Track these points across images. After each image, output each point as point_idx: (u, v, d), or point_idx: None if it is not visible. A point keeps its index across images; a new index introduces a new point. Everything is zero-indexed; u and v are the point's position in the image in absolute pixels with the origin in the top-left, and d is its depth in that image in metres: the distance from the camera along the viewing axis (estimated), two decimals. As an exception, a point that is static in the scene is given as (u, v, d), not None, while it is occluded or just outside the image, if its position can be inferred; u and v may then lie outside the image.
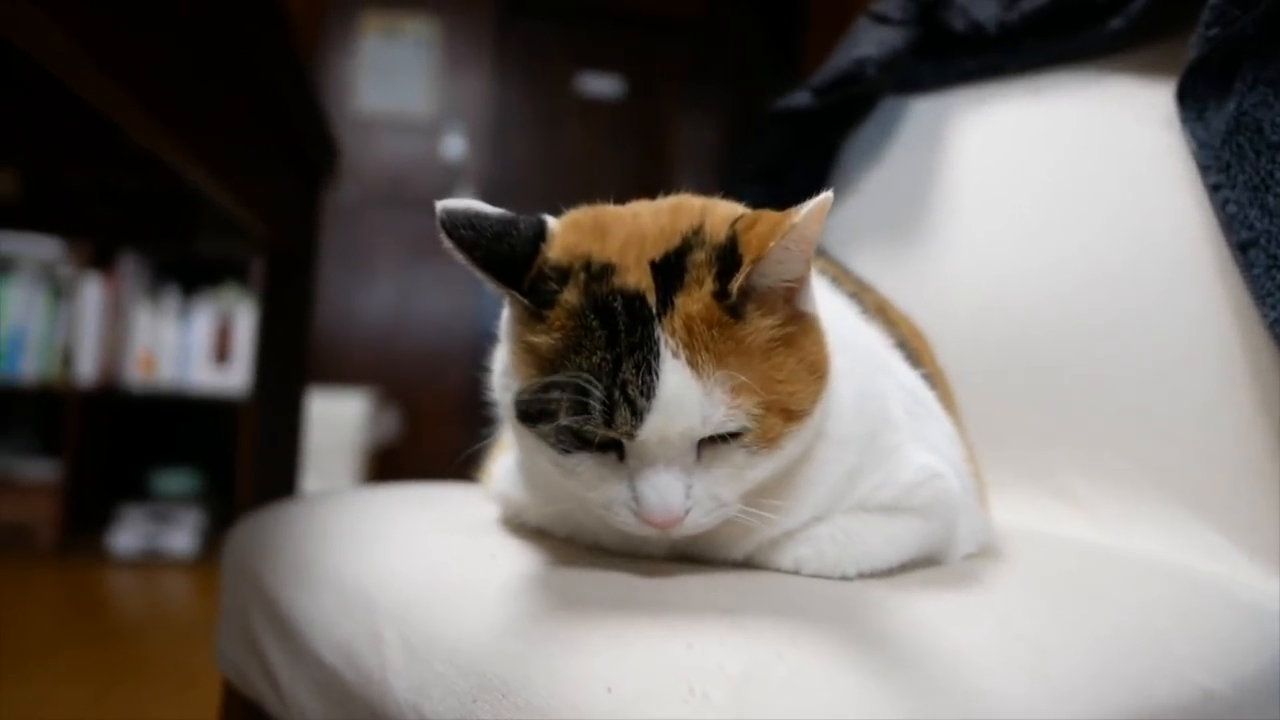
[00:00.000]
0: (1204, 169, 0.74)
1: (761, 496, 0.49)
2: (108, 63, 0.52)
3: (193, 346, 3.01)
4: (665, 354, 0.44)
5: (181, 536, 2.89)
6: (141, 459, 3.22)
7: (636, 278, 0.46)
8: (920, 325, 0.76)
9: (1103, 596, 0.58)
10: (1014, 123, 0.97)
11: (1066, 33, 0.92)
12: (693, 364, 0.44)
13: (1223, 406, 0.72)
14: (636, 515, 0.46)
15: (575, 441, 0.46)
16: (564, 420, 0.45)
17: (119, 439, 3.22)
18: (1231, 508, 0.70)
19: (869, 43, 1.01)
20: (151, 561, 2.83)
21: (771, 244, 0.44)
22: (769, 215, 0.47)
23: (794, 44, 3.72)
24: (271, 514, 0.81)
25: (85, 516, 2.94)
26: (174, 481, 3.15)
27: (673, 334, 0.44)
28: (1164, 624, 0.54)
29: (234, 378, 2.99)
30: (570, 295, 0.46)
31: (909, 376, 0.61)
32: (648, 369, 0.44)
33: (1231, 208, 0.71)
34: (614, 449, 0.46)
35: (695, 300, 0.45)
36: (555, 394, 0.45)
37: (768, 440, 0.46)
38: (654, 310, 0.45)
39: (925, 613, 0.47)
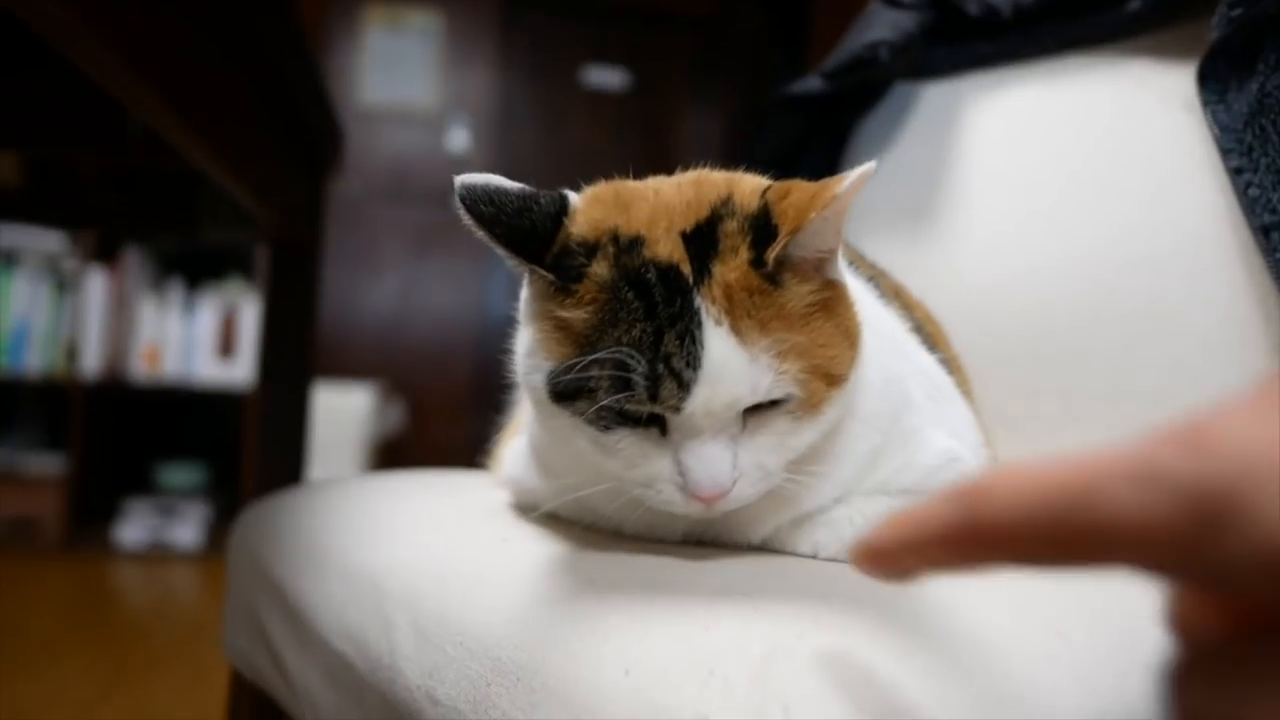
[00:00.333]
0: (1225, 152, 0.73)
1: (790, 471, 0.48)
2: (110, 36, 0.52)
3: (197, 339, 3.00)
4: (708, 323, 0.43)
5: (187, 530, 2.89)
6: (147, 452, 3.23)
7: (668, 249, 0.45)
8: (933, 311, 0.76)
9: (1121, 582, 0.57)
10: (1030, 108, 0.95)
11: (1083, 15, 0.91)
12: (736, 331, 0.43)
13: (1244, 393, 0.71)
14: (682, 491, 0.45)
15: (616, 418, 0.45)
16: (605, 399, 0.44)
17: (124, 432, 3.22)
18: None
19: (882, 26, 0.99)
20: (157, 555, 2.83)
21: (812, 215, 0.43)
22: (802, 185, 0.46)
23: (800, 37, 3.71)
24: (278, 502, 0.80)
25: (91, 510, 2.94)
26: (179, 475, 3.16)
27: (713, 302, 0.44)
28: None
29: (239, 371, 2.99)
30: (600, 268, 0.45)
31: (927, 360, 0.61)
32: (691, 339, 0.43)
33: (1254, 191, 0.70)
34: (656, 424, 0.45)
35: (732, 269, 0.44)
36: (594, 371, 0.44)
37: (811, 405, 0.45)
38: (690, 280, 0.44)
39: (945, 597, 0.47)
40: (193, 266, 3.12)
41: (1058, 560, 0.23)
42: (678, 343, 0.43)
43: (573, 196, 0.49)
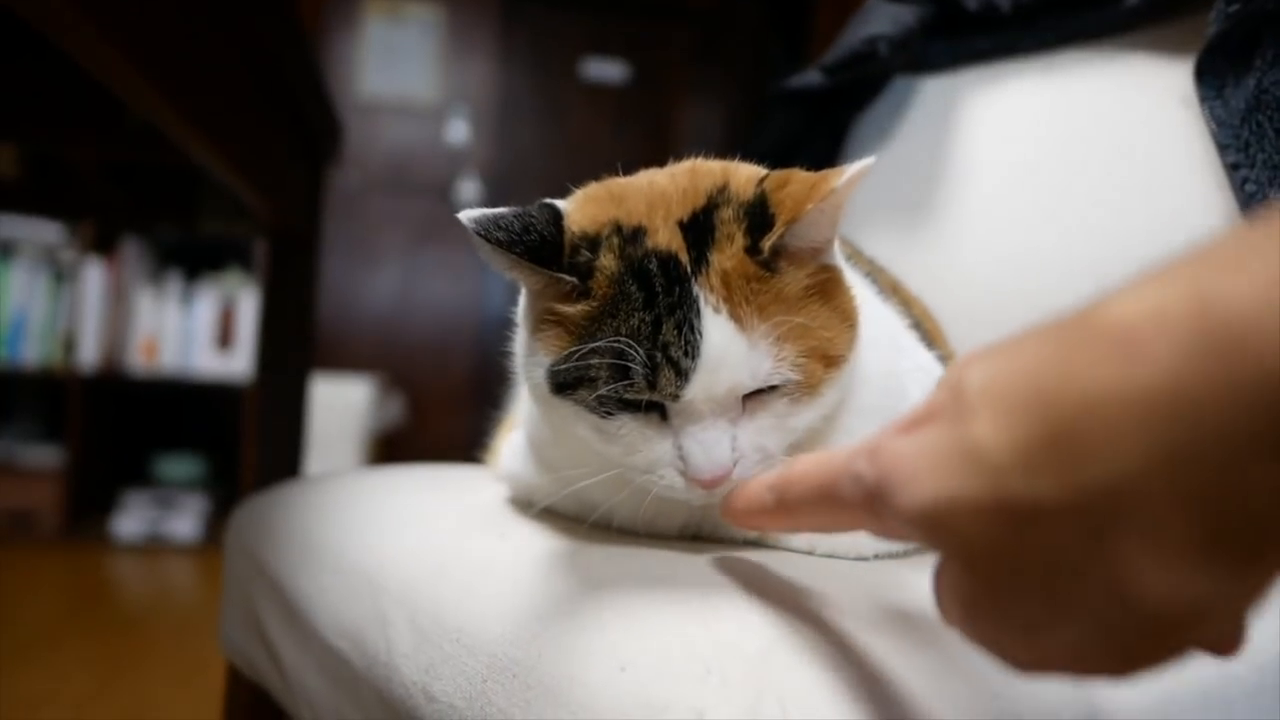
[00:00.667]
0: (1223, 148, 0.73)
1: (789, 455, 0.48)
2: (108, 29, 0.51)
3: (195, 332, 3.00)
4: (706, 311, 0.44)
5: (185, 522, 2.89)
6: (145, 445, 3.23)
7: (666, 238, 0.46)
8: (930, 307, 0.76)
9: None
10: (1028, 102, 0.95)
11: (1081, 11, 0.91)
12: (735, 318, 0.44)
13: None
14: (683, 475, 0.46)
15: (616, 405, 0.45)
16: (603, 389, 0.44)
17: (122, 425, 3.22)
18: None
19: (882, 21, 0.99)
20: (155, 547, 2.83)
21: (809, 206, 0.44)
22: (801, 175, 0.46)
23: (801, 31, 3.70)
24: (275, 496, 0.80)
25: (88, 502, 2.94)
26: (177, 467, 3.15)
27: (711, 290, 0.44)
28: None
29: (237, 363, 2.98)
30: (607, 260, 0.45)
31: (926, 357, 0.61)
32: (689, 327, 0.43)
33: (1250, 187, 0.70)
34: (657, 410, 0.46)
35: (729, 256, 0.45)
36: (594, 360, 0.44)
37: (810, 387, 0.46)
38: (688, 269, 0.44)
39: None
40: (191, 258, 3.11)
41: (832, 525, 0.37)
42: (675, 332, 0.43)
43: (560, 203, 0.49)
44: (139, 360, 2.97)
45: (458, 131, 3.95)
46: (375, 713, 0.52)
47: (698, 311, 0.43)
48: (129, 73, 0.56)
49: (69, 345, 2.90)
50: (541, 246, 0.46)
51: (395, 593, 0.54)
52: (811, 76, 1.05)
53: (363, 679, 0.53)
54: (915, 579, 0.48)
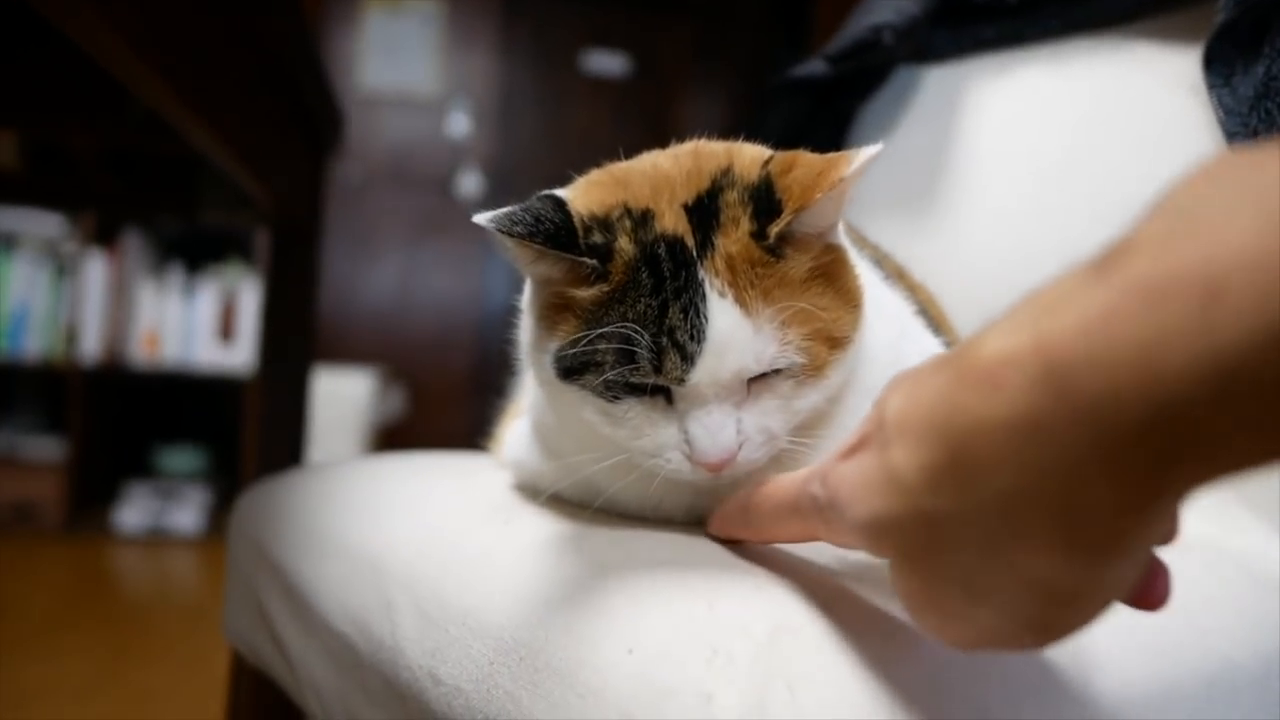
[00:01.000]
0: (1230, 136, 0.72)
1: (795, 436, 0.49)
2: (111, 14, 0.51)
3: (197, 324, 3.00)
4: (712, 295, 0.44)
5: (187, 514, 2.89)
6: (146, 437, 3.23)
7: (672, 222, 0.46)
8: (934, 295, 0.75)
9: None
10: (1034, 91, 0.95)
11: (1087, -1, 0.90)
12: (740, 302, 0.44)
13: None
14: (689, 458, 0.46)
15: (622, 389, 0.46)
16: (610, 373, 0.44)
17: (124, 417, 3.22)
18: (1256, 481, 0.69)
19: (886, 9, 0.99)
20: (157, 539, 2.83)
21: (818, 195, 0.44)
22: (806, 160, 0.46)
23: (802, 23, 3.70)
24: (279, 483, 0.80)
25: (91, 494, 2.94)
26: (179, 459, 3.16)
27: (716, 275, 0.44)
28: (1187, 596, 0.53)
29: (239, 355, 2.98)
30: (624, 243, 0.46)
31: (933, 343, 0.60)
32: (695, 312, 0.43)
33: (1259, 174, 0.70)
34: (663, 393, 0.46)
35: (734, 240, 0.45)
36: (601, 345, 0.44)
37: (814, 369, 0.46)
38: (694, 253, 0.45)
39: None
40: (192, 250, 3.11)
41: (797, 538, 0.42)
42: (681, 316, 0.43)
43: (559, 191, 0.50)
44: (140, 352, 2.97)
45: (458, 124, 3.95)
46: (381, 697, 0.52)
47: (703, 296, 0.44)
48: (132, 58, 0.56)
49: (71, 338, 2.90)
50: (556, 234, 0.46)
51: (400, 577, 0.54)
52: (815, 65, 1.04)
53: (368, 664, 0.53)
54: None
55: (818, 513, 0.36)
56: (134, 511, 2.87)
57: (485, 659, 0.43)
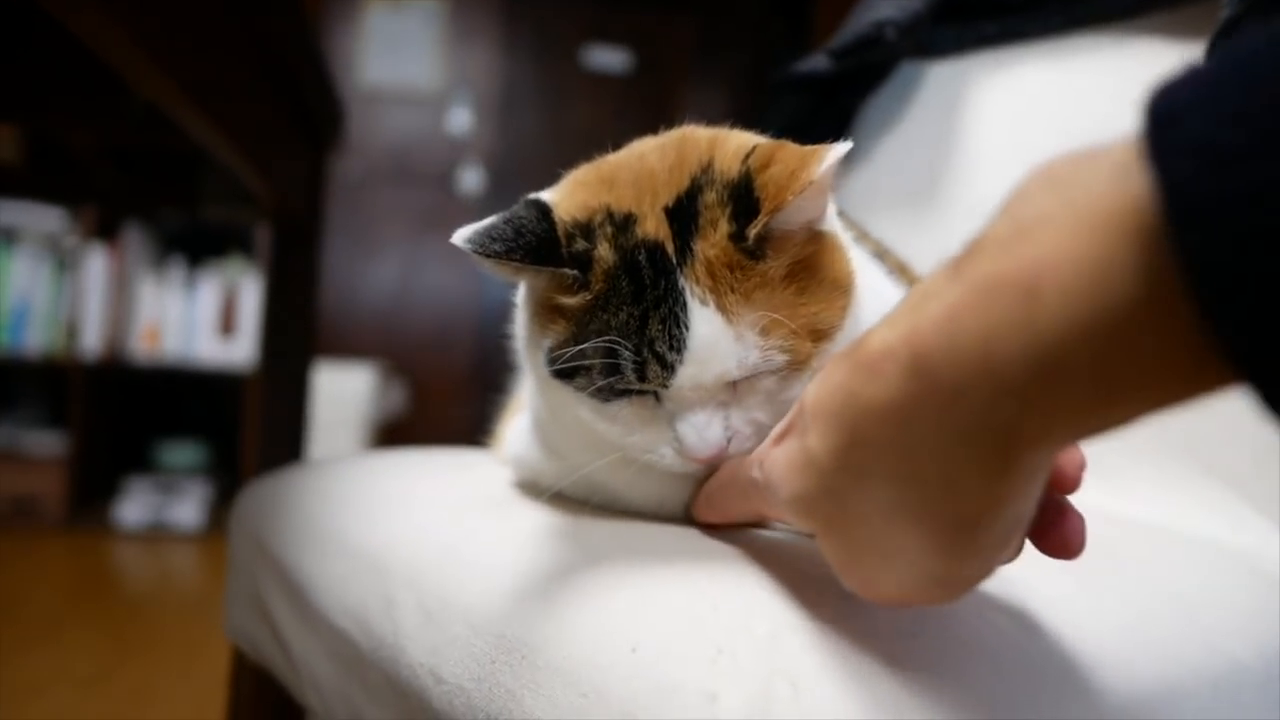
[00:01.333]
0: (1234, 132, 0.72)
1: None
2: (113, 8, 0.51)
3: (198, 319, 3.00)
4: (693, 304, 0.44)
5: (187, 509, 2.89)
6: (147, 432, 3.23)
7: (654, 226, 0.46)
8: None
9: (1127, 564, 0.57)
10: (1036, 87, 0.94)
11: (1091, -5, 0.90)
12: (722, 309, 0.44)
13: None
14: (680, 454, 0.47)
15: (612, 392, 0.46)
16: (598, 380, 0.45)
17: (124, 412, 3.22)
18: (1260, 479, 0.69)
19: (889, 5, 0.98)
20: (158, 534, 2.83)
21: (789, 198, 0.43)
22: (785, 155, 0.46)
23: (804, 19, 3.69)
24: (280, 479, 0.80)
25: (91, 489, 2.94)
26: (180, 454, 3.16)
27: (697, 282, 0.44)
28: (1191, 594, 0.53)
29: (239, 351, 2.98)
30: (603, 250, 0.46)
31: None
32: (675, 322, 0.44)
33: (1262, 172, 0.69)
34: (652, 393, 0.46)
35: (713, 244, 0.45)
36: (588, 353, 0.45)
37: (797, 364, 0.46)
38: (674, 260, 0.45)
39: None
40: (193, 245, 3.11)
41: (750, 517, 0.46)
42: (660, 326, 0.44)
43: (546, 195, 0.49)
44: (141, 347, 2.97)
45: (459, 120, 3.94)
46: (382, 694, 0.52)
47: (683, 304, 0.44)
48: (134, 53, 0.56)
49: (71, 333, 2.90)
50: (539, 246, 0.46)
51: (402, 575, 0.53)
52: (818, 61, 1.04)
53: (370, 661, 0.53)
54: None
55: (758, 493, 0.40)
56: (135, 506, 2.87)
57: (487, 657, 0.43)
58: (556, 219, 0.47)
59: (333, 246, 3.65)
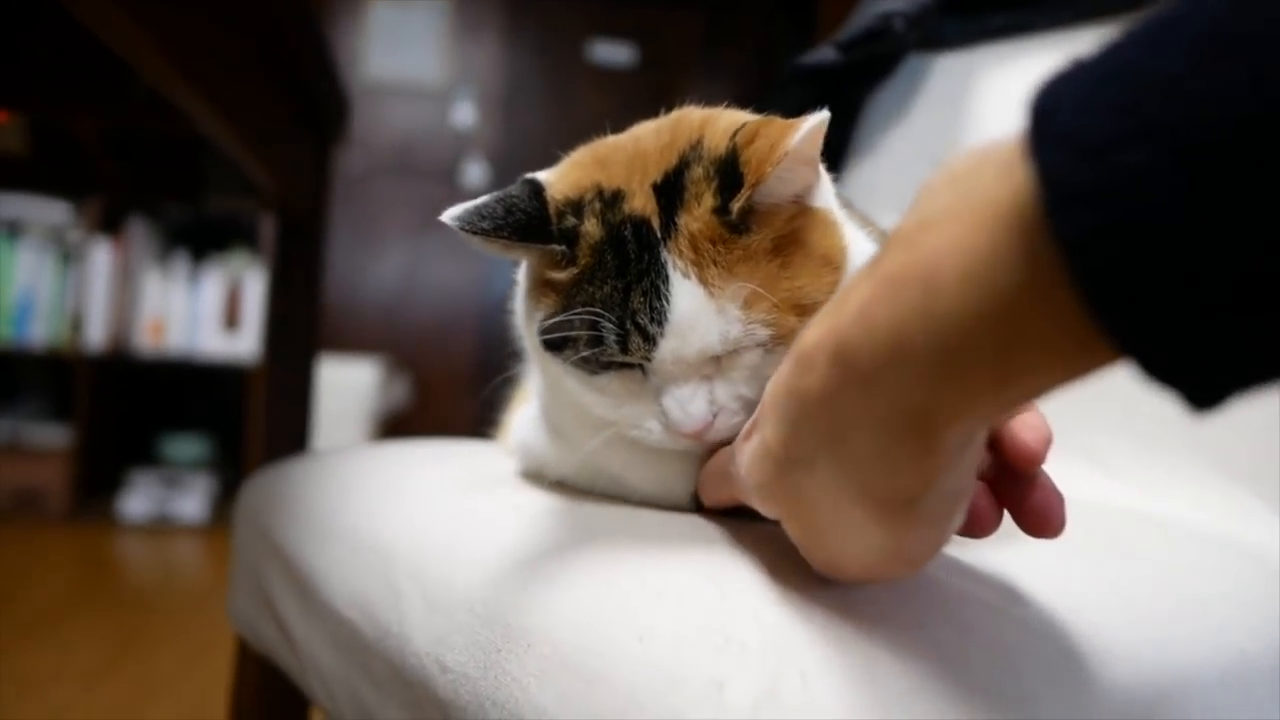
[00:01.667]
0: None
1: None
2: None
3: (202, 312, 3.00)
4: (675, 276, 0.44)
5: (191, 502, 2.90)
6: (151, 425, 3.24)
7: (641, 202, 0.46)
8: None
9: (1135, 558, 0.56)
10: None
11: (1099, -13, 0.90)
12: (703, 281, 0.44)
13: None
14: (667, 429, 0.47)
15: (599, 364, 0.47)
16: (583, 351, 0.46)
17: (129, 405, 3.23)
18: (1266, 471, 0.69)
19: (896, -3, 0.98)
20: (162, 527, 2.84)
21: (768, 169, 0.43)
22: (769, 130, 0.45)
23: (809, 12, 3.68)
24: (284, 469, 0.80)
25: (96, 482, 2.95)
26: (184, 448, 3.16)
27: (680, 255, 0.44)
28: (1198, 587, 0.53)
29: (243, 344, 2.99)
30: (590, 226, 0.46)
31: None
32: (657, 294, 0.44)
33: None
34: (639, 366, 0.47)
35: (696, 218, 0.45)
36: (574, 325, 0.46)
37: (780, 338, 0.46)
38: (659, 234, 0.45)
39: (955, 566, 0.46)
40: (197, 238, 3.11)
41: (734, 503, 0.45)
42: (642, 299, 0.44)
43: (541, 174, 0.50)
44: (146, 340, 2.97)
45: (464, 114, 3.94)
46: (387, 684, 0.51)
47: (665, 278, 0.44)
48: (139, 39, 0.56)
49: (76, 325, 2.90)
50: (527, 224, 0.46)
51: (406, 564, 0.53)
52: (825, 53, 1.04)
53: (374, 651, 0.52)
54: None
55: (736, 482, 0.41)
56: (139, 499, 2.88)
57: (493, 646, 0.43)
58: (548, 197, 0.47)
59: (337, 239, 3.65)
